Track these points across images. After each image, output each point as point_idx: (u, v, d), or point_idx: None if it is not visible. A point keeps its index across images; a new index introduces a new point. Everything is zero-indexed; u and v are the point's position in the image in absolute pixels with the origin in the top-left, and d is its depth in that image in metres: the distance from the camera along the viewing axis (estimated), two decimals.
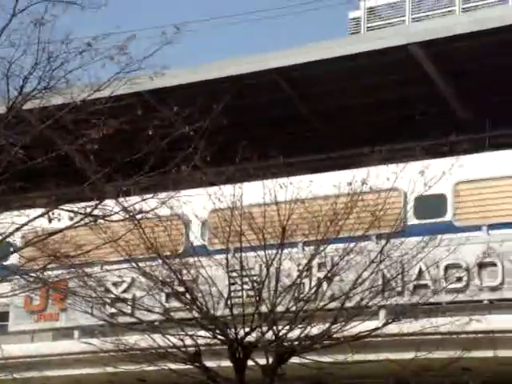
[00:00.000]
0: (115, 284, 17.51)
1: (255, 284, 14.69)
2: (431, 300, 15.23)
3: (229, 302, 14.39)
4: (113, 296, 16.49)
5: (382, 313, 15.67)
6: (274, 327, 14.19)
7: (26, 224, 12.27)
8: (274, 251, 14.42)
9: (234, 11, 49.78)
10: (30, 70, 11.50)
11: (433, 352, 14.49)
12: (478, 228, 16.78)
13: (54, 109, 11.77)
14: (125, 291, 17.85)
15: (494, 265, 16.07)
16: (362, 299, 14.61)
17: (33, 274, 13.02)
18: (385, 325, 14.74)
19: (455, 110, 20.60)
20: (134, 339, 15.29)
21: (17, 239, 13.23)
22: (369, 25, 24.34)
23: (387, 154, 15.89)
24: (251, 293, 14.70)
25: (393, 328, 14.87)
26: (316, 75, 21.00)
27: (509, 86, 19.83)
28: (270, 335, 14.19)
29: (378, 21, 24.38)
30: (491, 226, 16.68)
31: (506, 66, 19.42)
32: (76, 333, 19.11)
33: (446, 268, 16.21)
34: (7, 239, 12.41)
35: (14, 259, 13.72)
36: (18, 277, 13.43)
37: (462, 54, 19.55)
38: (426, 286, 16.00)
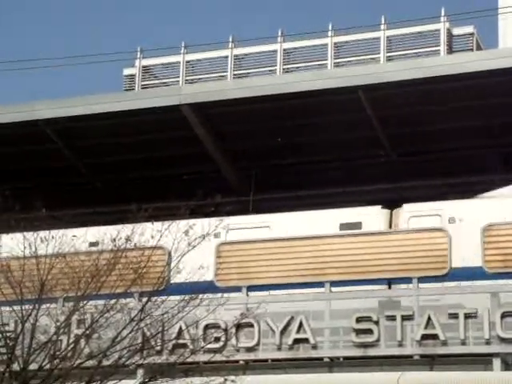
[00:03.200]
0: None
1: (8, 340, 14.16)
2: (189, 359, 15.28)
3: None
4: None
5: (140, 372, 15.52)
6: None
7: None
8: (31, 306, 14.02)
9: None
10: None
11: None
12: (238, 289, 17.08)
13: None
14: None
15: (251, 326, 16.41)
16: (120, 358, 14.40)
17: None
18: None
19: (221, 171, 21.07)
20: None
21: None
22: (143, 83, 24.54)
23: (153, 211, 15.95)
24: (3, 350, 14.14)
25: None
26: (87, 128, 20.84)
27: (275, 150, 20.59)
28: None
29: (152, 79, 24.65)
30: (250, 288, 17.05)
31: (269, 130, 20.15)
32: None
33: (205, 328, 16.36)
34: None
35: None
36: None
37: (231, 117, 20.09)
38: (184, 346, 16.03)
